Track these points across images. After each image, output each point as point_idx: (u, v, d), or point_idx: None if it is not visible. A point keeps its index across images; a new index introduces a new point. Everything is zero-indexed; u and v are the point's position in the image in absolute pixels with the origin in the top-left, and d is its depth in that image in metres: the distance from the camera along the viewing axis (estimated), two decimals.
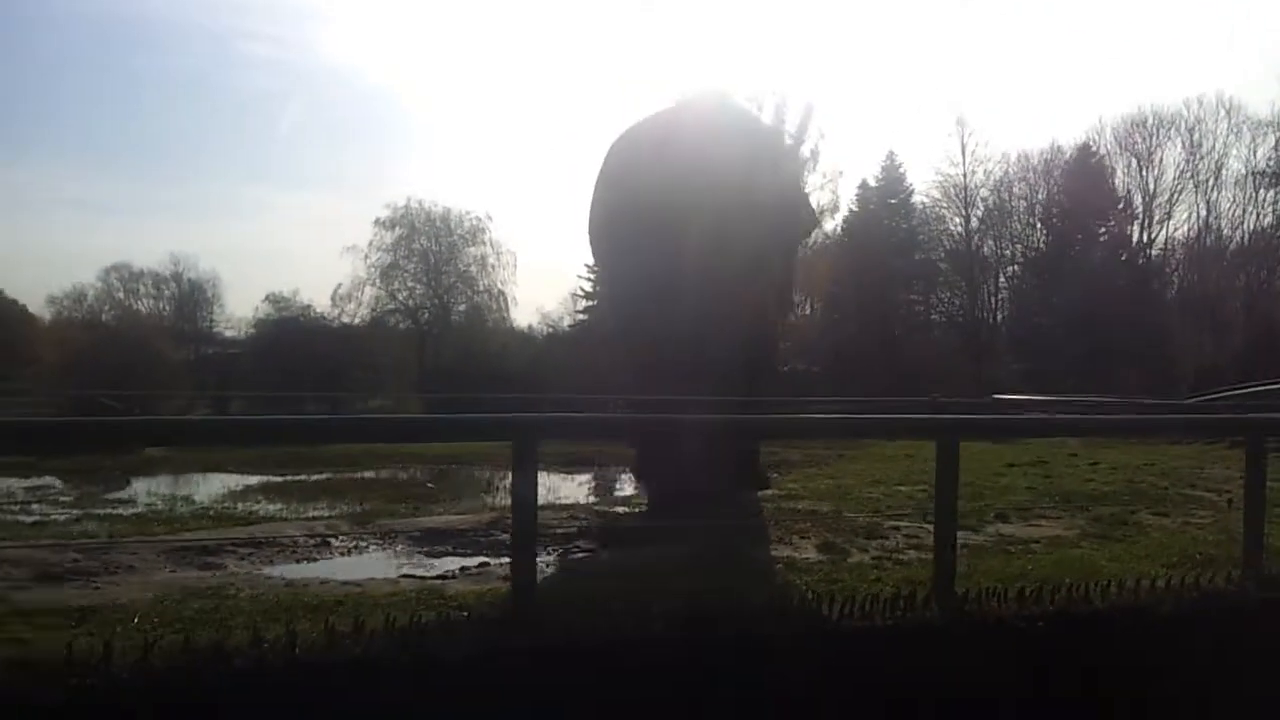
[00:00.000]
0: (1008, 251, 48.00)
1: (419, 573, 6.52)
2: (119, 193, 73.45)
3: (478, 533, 7.99)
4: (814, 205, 43.26)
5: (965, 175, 45.36)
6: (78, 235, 71.50)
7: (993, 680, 5.38)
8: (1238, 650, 5.71)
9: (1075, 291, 41.02)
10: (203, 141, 77.09)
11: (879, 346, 42.22)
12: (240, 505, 10.86)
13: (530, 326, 52.83)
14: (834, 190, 43.72)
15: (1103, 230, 44.77)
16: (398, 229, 46.42)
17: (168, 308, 59.83)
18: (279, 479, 13.62)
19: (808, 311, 46.87)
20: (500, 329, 48.63)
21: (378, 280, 46.89)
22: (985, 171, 45.74)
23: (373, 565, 6.69)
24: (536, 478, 5.06)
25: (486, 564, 6.73)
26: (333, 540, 7.41)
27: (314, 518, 9.22)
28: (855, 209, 46.23)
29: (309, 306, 51.77)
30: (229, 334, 59.44)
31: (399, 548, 7.49)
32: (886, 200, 46.61)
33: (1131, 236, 45.59)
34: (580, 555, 7.16)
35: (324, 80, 76.19)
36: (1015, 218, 47.33)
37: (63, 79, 73.79)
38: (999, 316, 48.15)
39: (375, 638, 4.53)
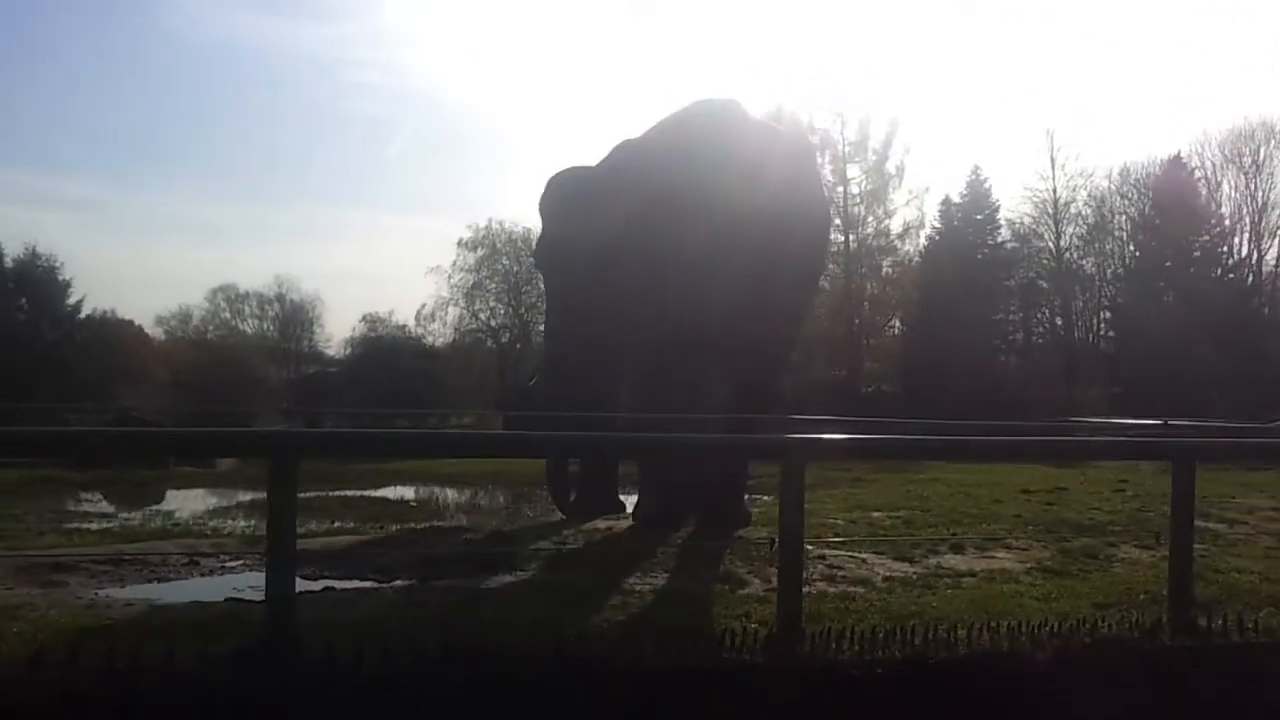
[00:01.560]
0: (1107, 269, 46.05)
1: (250, 597, 6.20)
2: (225, 216, 76.00)
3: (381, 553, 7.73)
4: (900, 223, 42.96)
5: (1054, 190, 43.66)
6: (185, 257, 74.15)
7: None
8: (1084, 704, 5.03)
9: (1171, 311, 39.07)
10: (305, 165, 79.33)
11: (965, 367, 40.80)
12: (186, 521, 10.78)
13: None
14: (919, 207, 42.66)
15: (1196, 247, 42.51)
16: (479, 249, 46.79)
17: (271, 328, 61.46)
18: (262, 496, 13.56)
19: (894, 330, 45.72)
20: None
21: (460, 300, 47.34)
22: (1076, 186, 43.96)
23: (210, 587, 6.41)
24: (295, 497, 4.72)
25: (331, 588, 6.41)
26: (201, 560, 7.18)
27: (223, 535, 9.08)
28: (939, 225, 44.85)
29: (403, 326, 52.76)
30: (329, 353, 60.82)
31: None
32: (972, 216, 45.07)
33: (1234, 253, 43.28)
34: (439, 582, 6.75)
35: (419, 103, 77.54)
36: (1113, 234, 45.37)
37: (175, 107, 77.01)
38: (1094, 336, 46.16)
39: (85, 669, 4.22)
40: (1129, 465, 14.88)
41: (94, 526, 10.62)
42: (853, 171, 41.03)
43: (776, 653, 5.08)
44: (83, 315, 46.60)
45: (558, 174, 12.45)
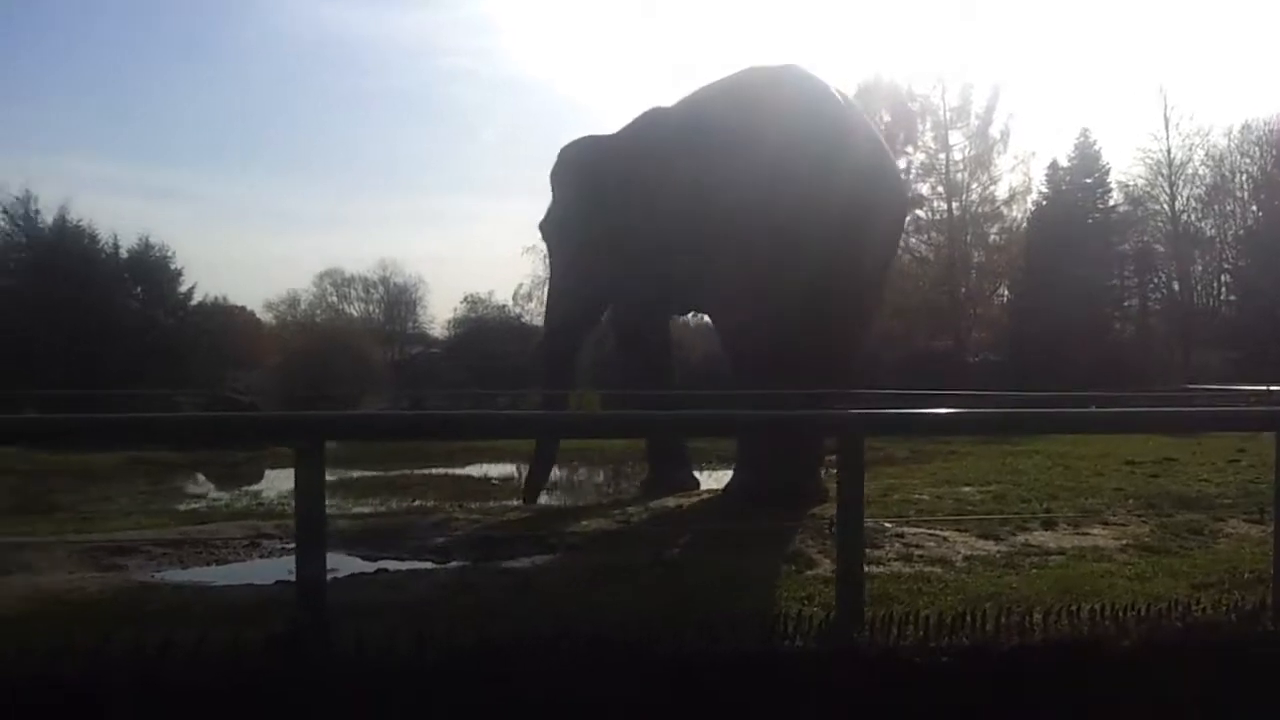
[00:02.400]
0: (1227, 231, 43.90)
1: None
2: (330, 203, 77.73)
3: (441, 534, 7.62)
4: (1006, 189, 41.47)
5: (1169, 151, 41.70)
6: (293, 244, 76.11)
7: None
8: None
9: None
10: (403, 152, 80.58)
11: (1077, 335, 39.35)
12: (270, 501, 10.86)
13: None
14: (1025, 172, 41.18)
15: None
16: None
17: (377, 310, 62.60)
18: (353, 475, 13.70)
19: (1002, 298, 44.31)
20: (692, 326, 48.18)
21: None
22: (1192, 146, 41.95)
23: (266, 569, 6.34)
24: (323, 479, 4.56)
25: (385, 569, 6.29)
26: (263, 542, 7.14)
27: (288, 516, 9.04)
28: (1047, 190, 43.23)
29: (502, 306, 53.22)
30: (433, 334, 61.70)
31: (336, 552, 7.13)
32: (1081, 180, 43.33)
33: None
34: (493, 563, 6.58)
35: (511, 88, 78.11)
36: (1233, 194, 43.19)
37: (277, 99, 78.83)
38: (1214, 301, 44.08)
39: (111, 656, 4.12)
40: (1248, 434, 14.04)
41: (181, 507, 10.81)
42: (955, 138, 39.78)
43: (832, 638, 4.74)
44: (194, 302, 47.95)
45: (586, 142, 12.01)
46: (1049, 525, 8.08)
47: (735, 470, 10.10)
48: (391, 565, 6.59)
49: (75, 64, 71.90)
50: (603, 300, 11.58)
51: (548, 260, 12.97)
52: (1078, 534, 7.84)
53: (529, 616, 5.08)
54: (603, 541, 7.27)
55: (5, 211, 41.12)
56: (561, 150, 12.00)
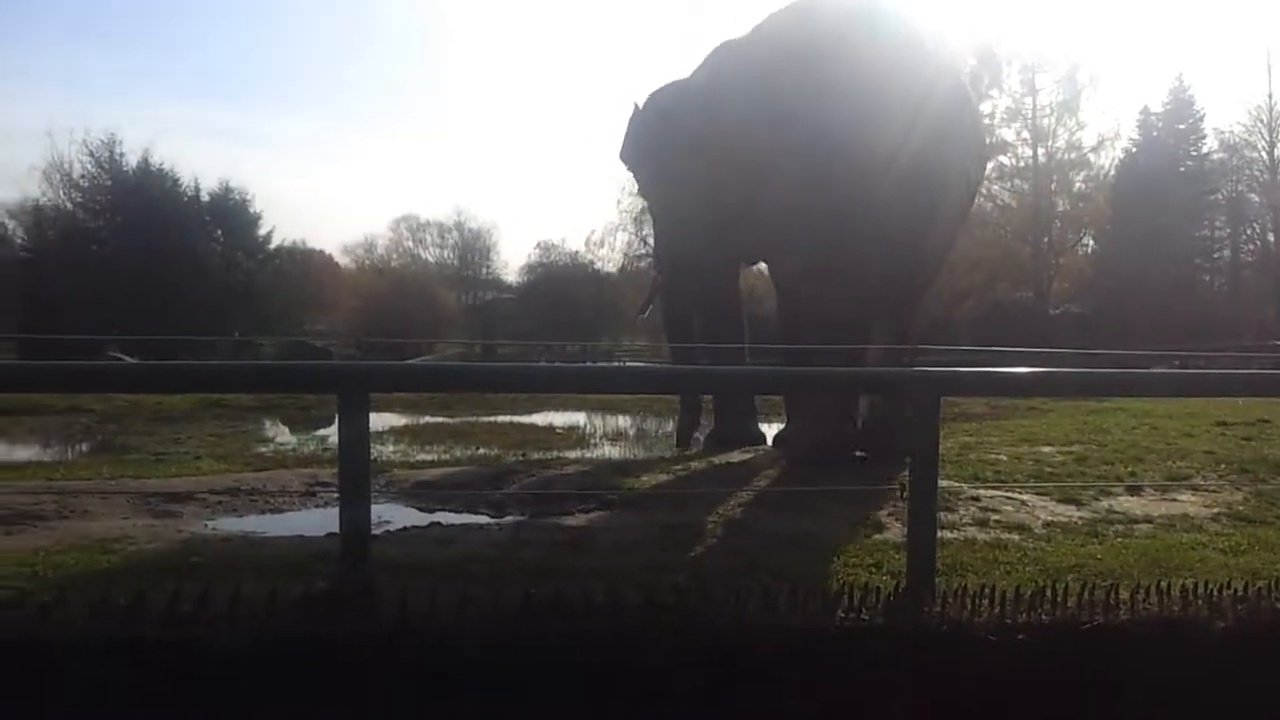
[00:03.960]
0: None
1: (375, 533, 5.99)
2: (406, 148, 78.11)
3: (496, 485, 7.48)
4: (1094, 135, 39.95)
5: (1270, 96, 39.88)
6: (370, 188, 76.73)
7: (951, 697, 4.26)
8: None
9: None
10: (476, 98, 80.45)
11: (1164, 288, 38.14)
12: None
13: None
14: (1115, 117, 39.77)
15: None
16: None
17: (451, 255, 63.03)
18: (419, 421, 13.67)
19: (1087, 249, 43.01)
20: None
21: (629, 225, 47.07)
22: None
23: (318, 520, 6.18)
24: (367, 432, 4.38)
25: (439, 523, 6.14)
26: (319, 491, 7.03)
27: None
28: (1137, 137, 41.71)
29: (575, 253, 53.20)
30: (507, 279, 61.97)
31: (392, 503, 7.02)
32: (1174, 126, 41.77)
33: None
34: (550, 519, 6.38)
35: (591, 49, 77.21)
36: None
37: (358, 46, 79.05)
38: None
39: (146, 611, 4.00)
40: None
41: (249, 451, 10.84)
42: (1042, 81, 38.43)
43: (900, 612, 4.46)
44: (274, 246, 48.60)
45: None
46: (1135, 491, 7.68)
47: (790, 425, 9.84)
48: (445, 518, 6.44)
49: (158, 8, 72.86)
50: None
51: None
52: (1166, 500, 7.43)
53: (582, 577, 4.89)
54: (664, 499, 7.04)
55: (91, 154, 41.94)
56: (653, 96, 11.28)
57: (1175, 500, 7.43)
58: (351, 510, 4.29)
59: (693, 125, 9.74)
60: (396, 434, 12.74)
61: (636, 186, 11.78)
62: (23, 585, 4.53)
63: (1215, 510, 7.05)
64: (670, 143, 10.10)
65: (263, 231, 47.37)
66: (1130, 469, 8.62)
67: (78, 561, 5.03)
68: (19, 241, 42.68)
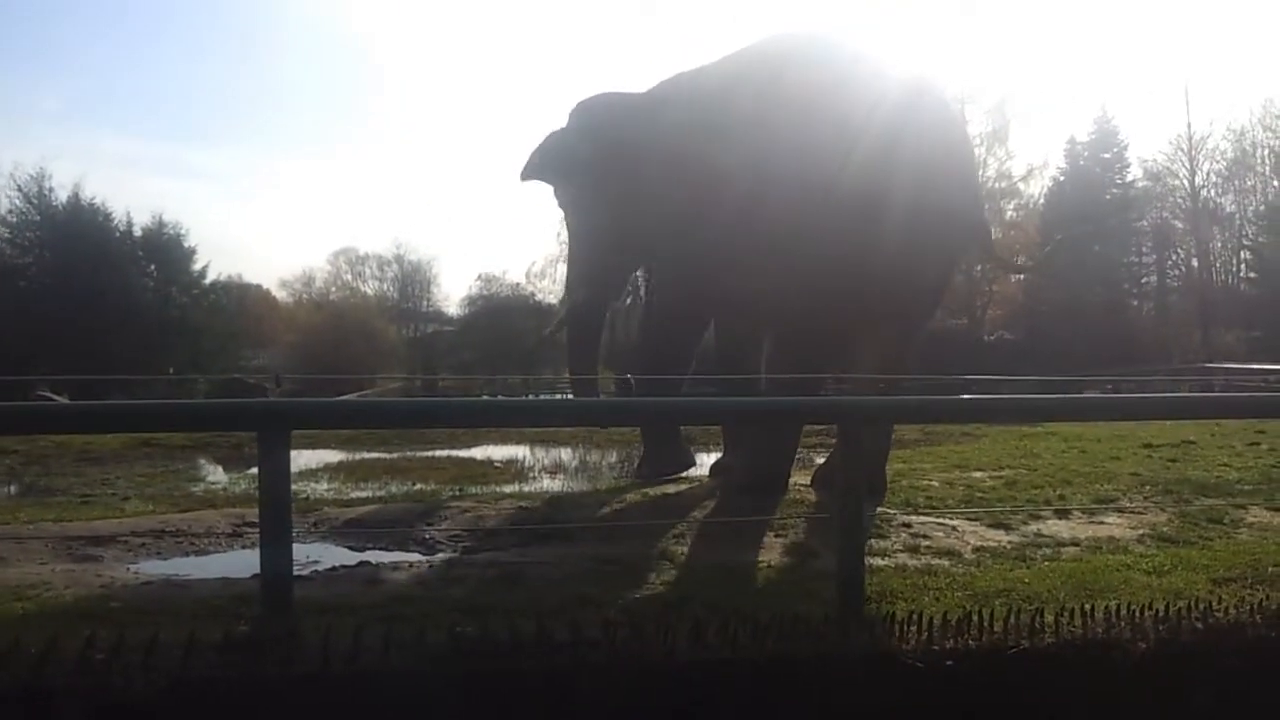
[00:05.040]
0: (1247, 207, 43.26)
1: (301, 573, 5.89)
2: (344, 180, 77.64)
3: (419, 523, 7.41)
4: (1023, 165, 40.76)
5: (1189, 125, 41.11)
6: (306, 221, 76.14)
7: None
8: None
9: None
10: (415, 130, 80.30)
11: (1093, 313, 38.91)
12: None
13: None
14: (1042, 147, 40.72)
15: None
16: None
17: (391, 288, 62.61)
18: (354, 457, 13.50)
19: (1018, 276, 43.73)
20: None
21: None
22: (1213, 121, 41.48)
23: (244, 562, 6.06)
24: (288, 470, 4.31)
25: (368, 562, 6.06)
26: (247, 532, 6.88)
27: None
28: (1064, 166, 42.71)
29: (516, 284, 53.08)
30: (448, 312, 61.64)
31: (321, 542, 6.90)
32: (1099, 155, 42.77)
33: None
34: (482, 555, 6.32)
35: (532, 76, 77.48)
36: (1254, 170, 42.51)
37: (290, 77, 78.60)
38: (1232, 278, 43.47)
39: (59, 660, 3.89)
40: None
41: (194, 489, 10.63)
42: (971, 112, 39.19)
43: (828, 641, 4.47)
44: (209, 281, 47.85)
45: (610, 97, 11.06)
46: (1063, 514, 7.80)
47: (730, 454, 9.82)
48: (375, 557, 6.34)
49: (87, 39, 71.85)
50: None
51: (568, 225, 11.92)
52: (1093, 523, 7.55)
53: (513, 613, 4.83)
54: (598, 532, 7.00)
55: (20, 189, 41.07)
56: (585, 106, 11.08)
57: (1102, 523, 7.55)
58: (273, 551, 4.23)
59: (637, 141, 9.81)
60: (331, 470, 12.56)
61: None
62: None
63: (1140, 532, 7.18)
64: (616, 161, 10.01)
65: (197, 266, 46.64)
66: (1059, 492, 8.75)
67: None
68: None
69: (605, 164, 10.14)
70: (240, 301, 53.53)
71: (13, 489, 12.02)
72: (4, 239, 41.56)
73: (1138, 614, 4.74)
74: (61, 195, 41.77)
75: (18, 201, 41.30)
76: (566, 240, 12.09)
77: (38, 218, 41.55)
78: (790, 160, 8.24)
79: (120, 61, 73.29)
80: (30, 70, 69.69)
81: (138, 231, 44.50)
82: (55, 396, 20.27)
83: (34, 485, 11.94)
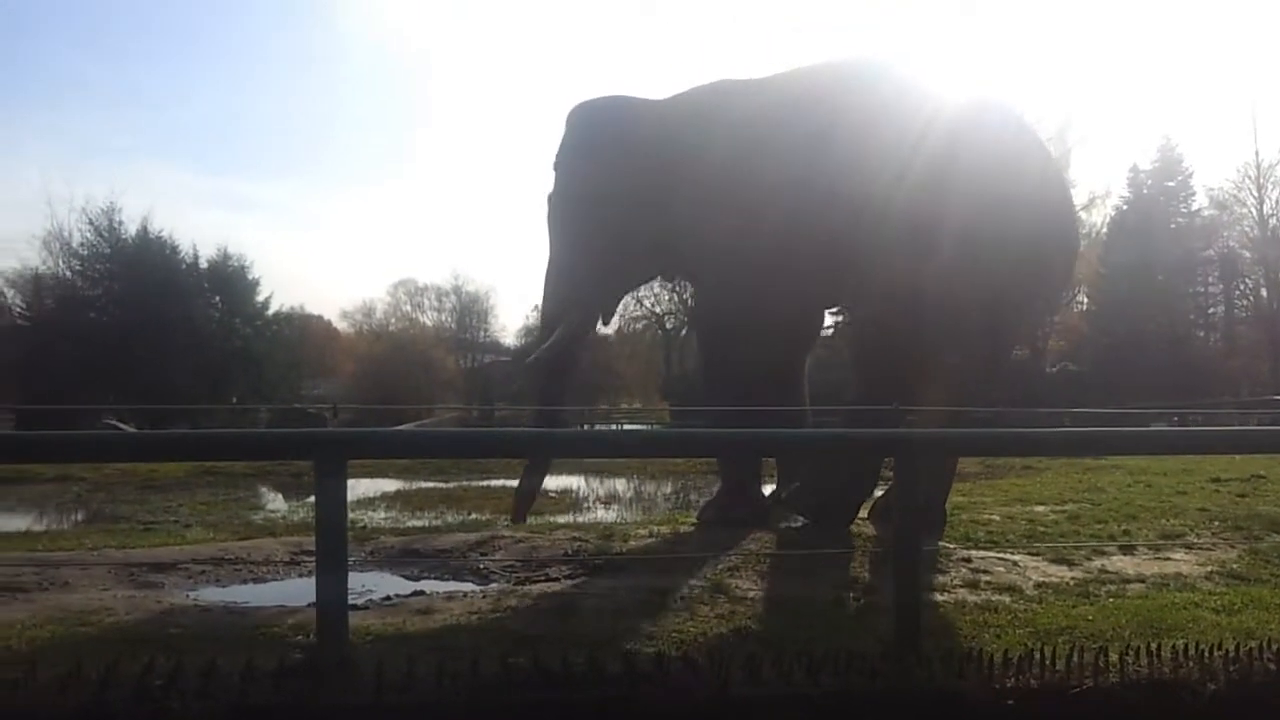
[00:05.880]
0: None
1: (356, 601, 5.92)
2: (404, 212, 78.79)
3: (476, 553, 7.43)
4: (1085, 194, 40.24)
5: (1257, 153, 40.30)
6: (368, 253, 77.28)
7: None
8: None
9: None
10: (476, 160, 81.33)
11: (1158, 343, 38.23)
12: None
13: None
14: (1105, 175, 40.19)
15: None
16: None
17: (449, 319, 63.25)
18: (411, 486, 13.60)
19: (1081, 306, 43.17)
20: None
21: None
22: None
23: (302, 590, 6.08)
24: (344, 500, 4.34)
25: (422, 591, 6.09)
26: (305, 560, 6.94)
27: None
28: (1127, 195, 42.09)
29: None
30: (505, 342, 62.09)
31: (377, 570, 6.94)
32: (1164, 184, 42.10)
33: None
34: (537, 586, 6.30)
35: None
36: None
37: (351, 108, 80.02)
38: None
39: (119, 685, 3.94)
40: None
41: (253, 517, 10.78)
42: None
43: (885, 677, 4.39)
44: (271, 311, 48.71)
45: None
46: (1128, 550, 7.60)
47: (795, 485, 9.43)
48: (429, 586, 6.37)
49: (155, 79, 73.87)
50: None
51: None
52: (1159, 559, 7.36)
53: (566, 644, 4.82)
54: (651, 563, 6.96)
55: (91, 223, 42.20)
56: (591, 112, 10.19)
57: (1169, 559, 7.36)
58: (329, 580, 4.25)
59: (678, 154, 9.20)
60: (388, 499, 12.69)
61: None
62: None
63: (1209, 569, 6.98)
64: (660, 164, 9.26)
65: (261, 297, 47.57)
66: (1124, 528, 8.55)
67: (53, 635, 4.96)
68: (18, 310, 42.80)
69: (635, 174, 9.32)
70: (302, 332, 54.49)
71: (80, 515, 12.29)
72: (76, 271, 42.66)
73: (1207, 654, 4.61)
74: (130, 228, 42.84)
75: (89, 235, 42.47)
76: (555, 253, 10.00)
77: (108, 250, 42.62)
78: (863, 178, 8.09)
79: (185, 99, 75.50)
80: (102, 109, 71.86)
81: (203, 263, 45.52)
82: (122, 425, 20.75)
83: (100, 511, 12.20)
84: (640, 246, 9.58)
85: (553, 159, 10.22)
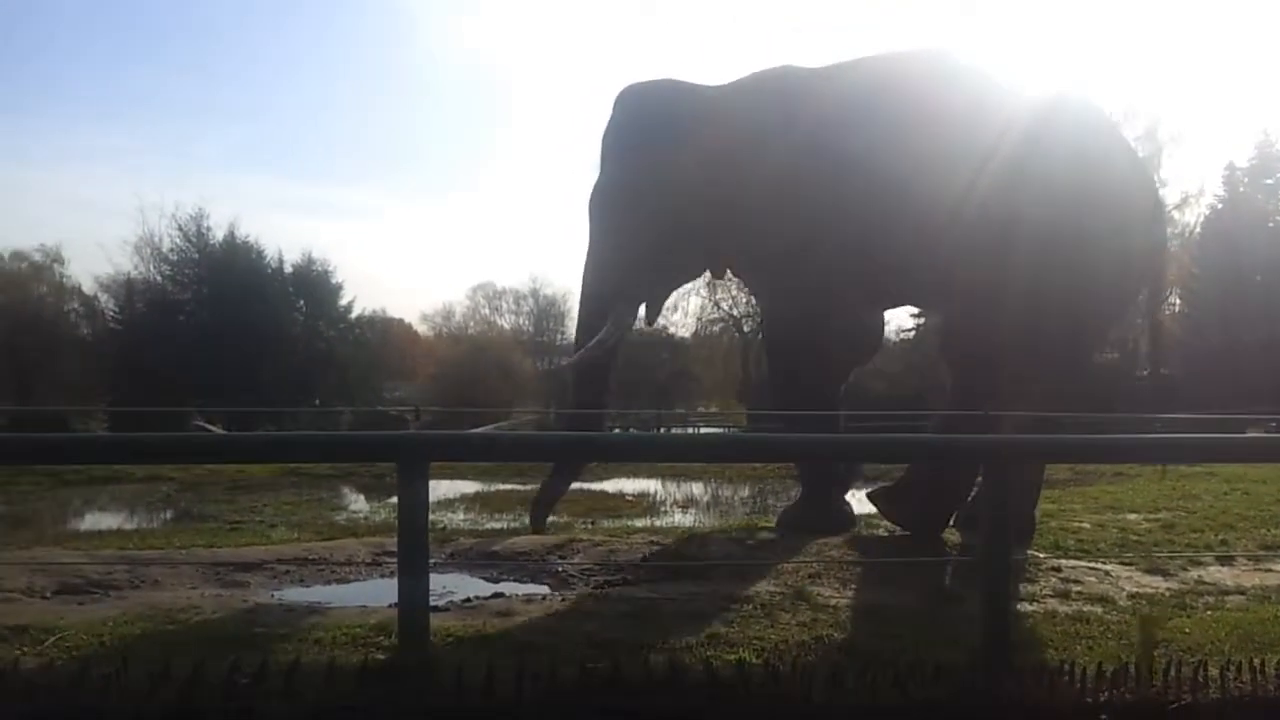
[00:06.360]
0: None
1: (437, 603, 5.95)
2: (483, 218, 79.69)
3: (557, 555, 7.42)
4: (1178, 192, 39.14)
5: None
6: (448, 257, 78.30)
7: None
8: None
9: None
10: (549, 166, 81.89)
11: (1256, 348, 37.00)
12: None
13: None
14: (1199, 173, 39.03)
15: None
16: None
17: (527, 322, 63.71)
18: (490, 488, 13.70)
19: (1173, 309, 41.98)
20: None
21: (701, 290, 46.99)
22: None
23: (383, 590, 6.11)
24: (426, 501, 4.36)
25: (502, 594, 6.10)
26: (386, 560, 7.00)
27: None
28: (1223, 194, 40.79)
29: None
30: None
31: (457, 572, 6.96)
32: (1261, 181, 40.72)
33: None
34: (616, 589, 6.26)
35: None
36: None
37: (432, 118, 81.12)
38: None
39: (207, 683, 3.99)
40: None
41: (336, 518, 10.93)
42: None
43: (974, 690, 4.27)
44: (354, 315, 49.56)
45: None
46: (1226, 560, 7.34)
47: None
48: (509, 588, 6.37)
49: (246, 90, 75.74)
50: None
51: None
52: (1259, 571, 7.08)
53: (645, 650, 4.78)
54: (730, 569, 6.87)
55: (180, 228, 43.37)
56: (642, 96, 9.67)
57: (1270, 570, 7.09)
58: (410, 581, 4.26)
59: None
60: (467, 501, 12.79)
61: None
62: (88, 655, 4.57)
63: None
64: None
65: (344, 301, 48.44)
66: (1221, 537, 8.26)
67: (143, 632, 5.06)
68: (110, 314, 44.12)
69: (692, 166, 8.88)
70: (384, 335, 55.33)
71: (169, 514, 12.58)
72: (166, 275, 43.84)
73: None
74: (218, 234, 43.89)
75: (179, 240, 43.64)
76: (598, 246, 9.51)
77: (196, 255, 43.74)
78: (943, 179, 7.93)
79: (271, 110, 77.33)
80: (191, 119, 73.83)
81: (288, 268, 46.50)
82: (210, 426, 21.23)
83: (188, 511, 12.47)
84: (694, 243, 9.16)
85: (600, 144, 9.81)
